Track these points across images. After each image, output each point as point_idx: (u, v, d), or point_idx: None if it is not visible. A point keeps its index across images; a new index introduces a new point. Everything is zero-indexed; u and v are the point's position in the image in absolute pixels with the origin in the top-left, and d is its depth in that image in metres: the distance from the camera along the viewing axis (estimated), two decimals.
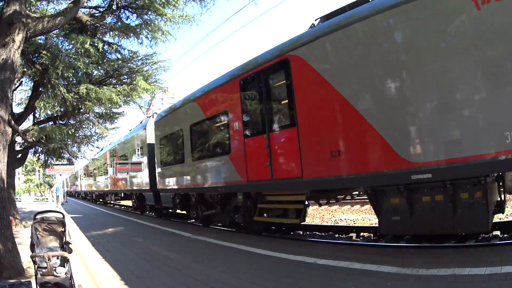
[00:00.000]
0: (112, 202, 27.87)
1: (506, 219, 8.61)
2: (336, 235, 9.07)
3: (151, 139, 15.77)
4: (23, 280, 5.01)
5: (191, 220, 14.02)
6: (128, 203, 24.88)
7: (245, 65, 9.00)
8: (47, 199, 49.55)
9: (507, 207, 10.11)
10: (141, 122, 19.22)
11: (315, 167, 6.95)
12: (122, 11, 9.63)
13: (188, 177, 11.83)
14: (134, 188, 18.70)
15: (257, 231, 9.43)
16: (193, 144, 11.50)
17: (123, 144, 21.34)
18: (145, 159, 16.48)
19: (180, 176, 12.48)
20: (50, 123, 12.83)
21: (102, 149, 26.25)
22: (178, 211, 14.89)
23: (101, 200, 31.99)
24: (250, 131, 8.70)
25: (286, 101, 7.71)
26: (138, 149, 18.16)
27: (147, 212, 18.79)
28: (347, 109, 6.32)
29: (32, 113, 13.89)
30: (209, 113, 10.43)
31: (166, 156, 13.91)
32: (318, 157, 6.89)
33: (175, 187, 12.87)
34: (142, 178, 17.07)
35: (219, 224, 11.68)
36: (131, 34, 9.72)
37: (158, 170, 14.46)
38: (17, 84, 12.80)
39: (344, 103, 6.36)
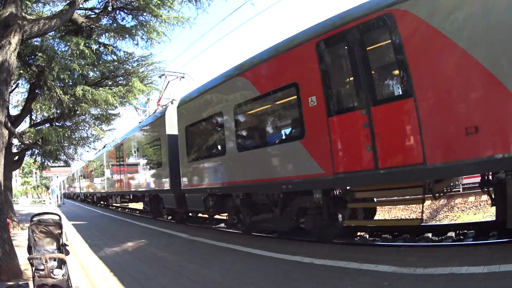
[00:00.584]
0: (115, 204, 25.22)
1: None
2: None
3: (171, 129, 13.12)
4: (21, 283, 5.02)
5: (219, 225, 12.87)
6: (136, 206, 23.38)
7: (324, 24, 6.97)
8: (44, 201, 49.40)
9: None
10: (155, 112, 16.85)
11: (443, 149, 5.43)
12: (117, 13, 9.63)
13: (231, 173, 9.43)
14: (147, 188, 15.81)
15: (329, 239, 7.47)
16: (240, 130, 9.12)
17: (132, 138, 18.35)
18: (163, 154, 13.68)
19: (217, 172, 10.05)
20: (47, 125, 12.85)
21: (104, 146, 24.57)
22: (200, 215, 13.74)
23: (102, 202, 29.42)
24: (337, 106, 6.71)
25: (395, 66, 6.07)
26: (152, 143, 15.17)
27: (165, 217, 16.20)
28: (482, 75, 5.06)
29: (29, 115, 13.92)
30: (266, 88, 8.16)
31: (195, 148, 11.33)
32: (447, 136, 5.36)
33: (210, 186, 10.30)
34: (159, 177, 14.30)
35: (268, 230, 9.45)
36: (127, 35, 9.73)
37: (183, 165, 11.78)
38: (14, 86, 12.80)
39: (478, 68, 5.07)
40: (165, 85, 16.58)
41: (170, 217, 15.75)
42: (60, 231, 4.69)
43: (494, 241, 6.06)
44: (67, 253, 4.62)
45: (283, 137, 8.01)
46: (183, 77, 17.88)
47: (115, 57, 10.79)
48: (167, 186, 13.25)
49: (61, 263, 4.51)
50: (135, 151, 17.86)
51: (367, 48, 6.29)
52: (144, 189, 16.32)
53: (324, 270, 5.23)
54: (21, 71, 10.65)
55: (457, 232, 7.34)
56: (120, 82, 11.46)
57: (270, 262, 6.13)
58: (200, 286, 5.14)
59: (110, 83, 11.55)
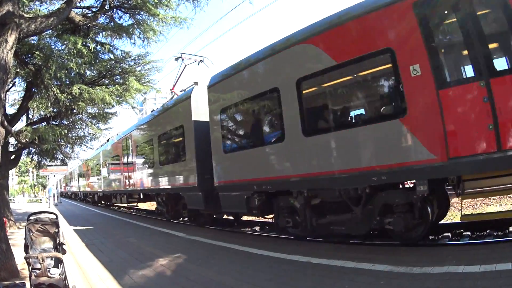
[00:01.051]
0: (119, 204, 22.91)
1: None
2: None
3: (198, 115, 11.20)
4: (17, 282, 5.02)
5: (247, 229, 11.46)
6: (143, 206, 21.88)
7: None
8: (41, 200, 49.39)
9: (500, 204, 10.23)
10: (172, 98, 14.62)
11: None
12: (114, 11, 9.60)
13: (293, 164, 7.60)
14: (164, 186, 13.54)
15: (415, 241, 6.30)
16: (307, 108, 7.37)
17: (143, 129, 16.08)
18: (187, 145, 11.55)
19: (270, 164, 8.13)
20: (43, 124, 12.78)
21: (108, 141, 22.85)
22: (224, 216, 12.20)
23: (103, 202, 27.36)
24: (449, 77, 5.58)
25: None
26: (172, 132, 13.05)
27: (183, 219, 14.19)
28: None
29: (25, 114, 13.88)
30: (346, 56, 6.55)
31: (236, 135, 9.74)
32: None
33: (258, 180, 8.37)
34: (180, 172, 12.14)
35: (335, 233, 7.39)
36: (124, 34, 9.69)
37: (217, 157, 9.81)
38: (10, 85, 12.74)
39: None
40: (181, 69, 15.16)
41: (186, 219, 13.95)
42: (57, 230, 4.69)
43: (490, 241, 6.08)
44: (64, 252, 4.61)
45: (373, 115, 6.58)
46: (202, 61, 15.65)
47: (112, 56, 10.76)
48: (192, 182, 11.21)
49: (58, 262, 4.50)
50: (147, 143, 15.49)
51: (478, 13, 5.29)
52: (159, 187, 14.05)
53: (321, 270, 5.25)
54: (18, 70, 10.61)
55: (454, 231, 7.36)
56: (117, 81, 11.43)
57: (267, 261, 6.14)
58: (197, 285, 5.15)
59: (107, 82, 11.52)
